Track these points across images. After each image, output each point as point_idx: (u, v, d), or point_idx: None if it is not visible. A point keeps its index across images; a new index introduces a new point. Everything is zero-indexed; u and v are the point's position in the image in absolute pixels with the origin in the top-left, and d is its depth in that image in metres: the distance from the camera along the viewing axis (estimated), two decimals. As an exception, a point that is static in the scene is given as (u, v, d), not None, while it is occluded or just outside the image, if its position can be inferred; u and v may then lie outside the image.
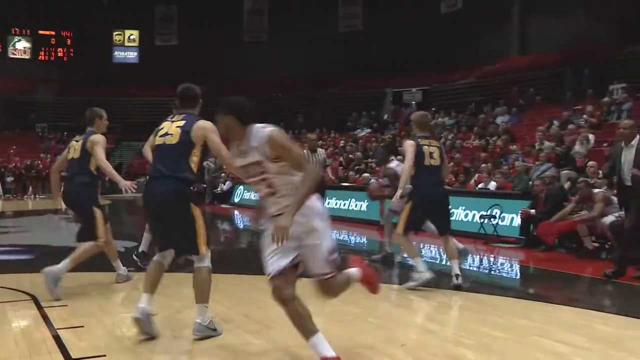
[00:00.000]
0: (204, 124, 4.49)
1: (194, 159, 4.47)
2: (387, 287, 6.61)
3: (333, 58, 34.00)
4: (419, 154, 6.41)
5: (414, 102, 28.07)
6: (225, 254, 9.97)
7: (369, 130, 26.35)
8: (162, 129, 4.56)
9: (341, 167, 19.84)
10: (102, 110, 6.53)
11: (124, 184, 6.04)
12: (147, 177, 4.67)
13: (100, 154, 6.09)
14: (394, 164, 8.91)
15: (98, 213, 6.19)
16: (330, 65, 33.96)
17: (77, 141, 6.32)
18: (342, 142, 24.29)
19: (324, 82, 33.36)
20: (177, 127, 4.47)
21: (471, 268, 8.65)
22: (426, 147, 6.47)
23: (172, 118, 4.60)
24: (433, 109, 24.93)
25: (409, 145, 6.50)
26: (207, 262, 4.51)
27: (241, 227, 15.76)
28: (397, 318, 5.30)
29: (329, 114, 30.87)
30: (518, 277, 8.60)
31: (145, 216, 4.79)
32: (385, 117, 28.51)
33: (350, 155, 20.75)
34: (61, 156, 6.67)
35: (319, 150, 10.93)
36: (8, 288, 6.21)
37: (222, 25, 35.48)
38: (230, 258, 9.41)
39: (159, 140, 4.52)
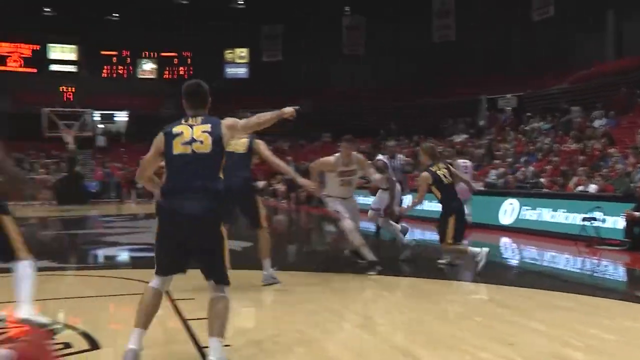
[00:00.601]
0: (228, 123, 3.80)
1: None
2: (489, 287, 6.43)
3: (428, 67, 33.61)
4: (436, 181, 7.43)
5: (509, 108, 27.19)
6: (331, 253, 10.01)
7: (465, 136, 25.81)
8: (180, 134, 3.65)
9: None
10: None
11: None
12: (166, 192, 3.66)
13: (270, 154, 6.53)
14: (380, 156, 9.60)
15: (260, 201, 6.51)
16: (425, 74, 33.59)
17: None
18: (440, 148, 23.88)
19: (419, 90, 33.01)
20: (204, 132, 3.65)
21: (573, 269, 8.25)
22: (439, 172, 7.50)
23: (187, 121, 3.72)
24: (528, 114, 24.07)
25: (423, 180, 7.49)
26: (228, 292, 3.74)
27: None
28: (502, 317, 5.09)
29: (424, 121, 30.49)
30: (623, 279, 8.11)
31: (162, 237, 3.68)
32: (481, 123, 27.81)
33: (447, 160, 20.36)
34: None
35: (398, 156, 10.87)
36: (141, 281, 6.47)
37: (322, 41, 35.92)
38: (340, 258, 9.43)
39: (182, 149, 3.62)
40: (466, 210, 13.61)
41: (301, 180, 6.71)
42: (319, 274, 7.26)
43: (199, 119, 3.71)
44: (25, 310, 4.37)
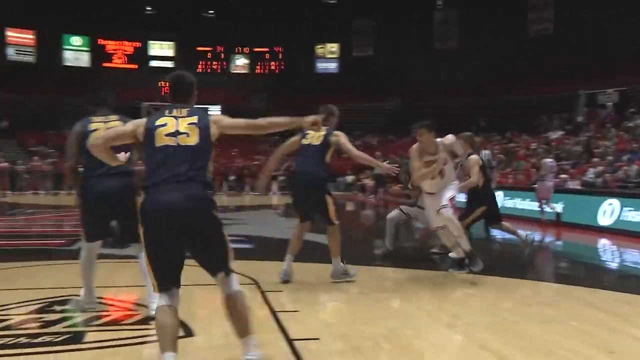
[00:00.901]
0: (213, 118, 3.56)
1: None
2: (584, 290, 6.14)
3: (522, 61, 32.47)
4: (482, 167, 7.51)
5: (610, 103, 25.83)
6: (419, 249, 9.87)
7: (561, 132, 24.77)
8: (164, 125, 3.42)
9: (534, 170, 18.83)
10: (334, 107, 6.39)
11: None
12: (150, 187, 3.33)
13: (352, 147, 6.28)
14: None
15: (330, 200, 6.13)
16: (518, 68, 32.47)
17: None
18: (533, 144, 23.09)
19: (512, 85, 31.95)
20: (191, 124, 3.43)
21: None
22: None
23: (171, 113, 3.49)
24: (632, 110, 22.77)
25: (475, 162, 7.43)
26: (238, 283, 3.56)
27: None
28: (600, 322, 4.80)
29: (517, 117, 29.50)
30: None
31: (153, 243, 3.34)
32: (579, 119, 26.59)
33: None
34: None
35: (483, 152, 10.61)
36: (235, 272, 6.61)
37: (413, 36, 35.50)
38: (428, 254, 9.30)
39: (166, 140, 3.38)
40: (548, 209, 13.20)
41: (383, 165, 6.67)
42: (407, 270, 7.18)
43: (185, 110, 3.49)
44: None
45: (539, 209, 13.51)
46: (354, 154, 6.24)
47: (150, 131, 3.41)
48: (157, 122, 3.43)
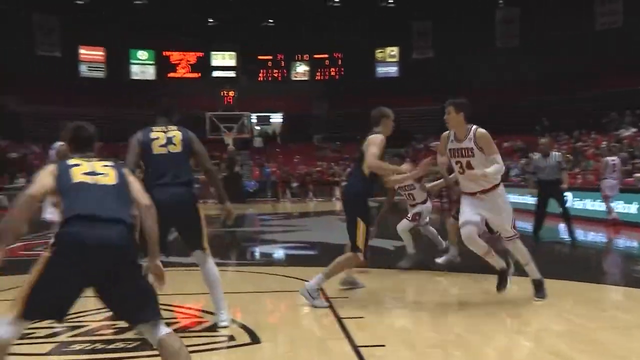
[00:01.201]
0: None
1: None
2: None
3: (589, 57, 31.35)
4: None
5: (686, 98, 24.61)
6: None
7: (634, 129, 23.75)
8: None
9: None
10: (389, 110, 5.76)
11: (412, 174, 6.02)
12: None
13: (370, 153, 5.29)
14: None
15: (361, 224, 5.34)
16: (585, 65, 31.35)
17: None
18: (604, 143, 22.22)
19: (579, 82, 30.89)
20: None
21: None
22: None
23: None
24: None
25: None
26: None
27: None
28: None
29: (584, 115, 28.49)
30: None
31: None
32: (652, 115, 25.43)
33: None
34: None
35: (553, 153, 10.19)
36: (297, 278, 6.61)
37: (473, 35, 34.91)
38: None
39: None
40: (614, 206, 12.69)
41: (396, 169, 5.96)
42: (474, 275, 7.04)
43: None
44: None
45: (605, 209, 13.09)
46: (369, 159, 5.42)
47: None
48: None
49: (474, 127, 5.31)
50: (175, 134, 4.65)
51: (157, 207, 4.54)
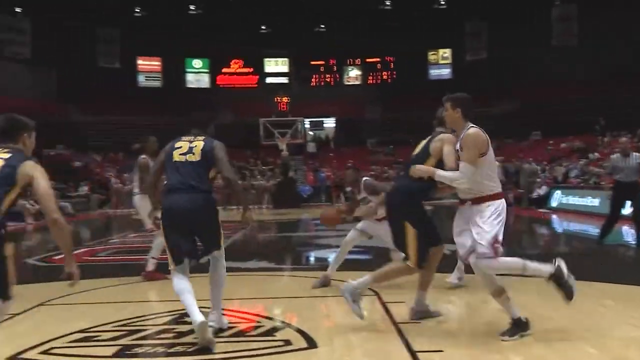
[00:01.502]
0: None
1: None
2: None
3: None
4: None
5: None
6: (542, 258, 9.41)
7: (701, 127, 22.77)
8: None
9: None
10: (440, 111, 4.94)
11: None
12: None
13: (447, 155, 4.61)
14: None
15: (410, 229, 4.78)
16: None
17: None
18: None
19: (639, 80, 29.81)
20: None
21: None
22: None
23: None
24: None
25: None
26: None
27: (560, 231, 14.79)
28: None
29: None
30: None
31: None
32: None
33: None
34: None
35: (634, 154, 9.73)
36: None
37: (528, 34, 34.17)
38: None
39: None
40: None
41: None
42: (528, 280, 6.84)
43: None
44: None
45: None
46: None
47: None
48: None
49: (470, 126, 4.52)
50: (198, 143, 4.69)
51: (170, 214, 4.59)
